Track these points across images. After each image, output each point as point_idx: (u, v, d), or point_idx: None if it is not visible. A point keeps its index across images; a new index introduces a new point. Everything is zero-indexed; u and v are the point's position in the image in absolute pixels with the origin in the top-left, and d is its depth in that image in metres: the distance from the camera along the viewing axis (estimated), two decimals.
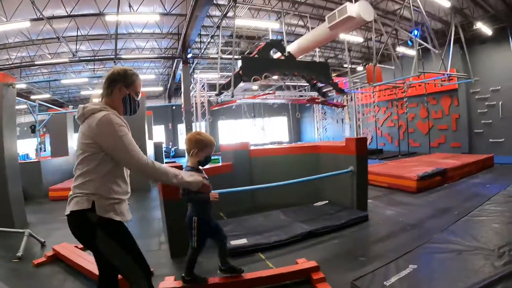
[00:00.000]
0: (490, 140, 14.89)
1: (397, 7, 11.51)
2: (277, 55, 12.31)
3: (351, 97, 19.60)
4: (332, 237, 4.91)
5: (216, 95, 12.42)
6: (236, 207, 6.42)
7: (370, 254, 4.33)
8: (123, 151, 2.02)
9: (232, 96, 11.33)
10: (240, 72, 10.24)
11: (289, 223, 5.49)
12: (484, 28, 13.16)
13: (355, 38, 15.82)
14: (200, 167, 3.05)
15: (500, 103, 14.50)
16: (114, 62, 14.96)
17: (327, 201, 6.56)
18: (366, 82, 15.04)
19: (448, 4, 10.94)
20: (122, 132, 2.03)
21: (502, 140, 14.46)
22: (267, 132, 26.09)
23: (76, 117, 2.17)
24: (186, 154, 3.27)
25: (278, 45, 11.79)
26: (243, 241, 4.69)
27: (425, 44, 12.39)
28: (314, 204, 6.43)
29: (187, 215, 3.07)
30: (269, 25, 13.21)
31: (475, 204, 5.89)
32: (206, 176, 2.92)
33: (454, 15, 12.49)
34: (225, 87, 11.57)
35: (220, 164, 7.86)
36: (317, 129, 25.35)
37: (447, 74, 11.25)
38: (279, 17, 13.08)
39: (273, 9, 12.46)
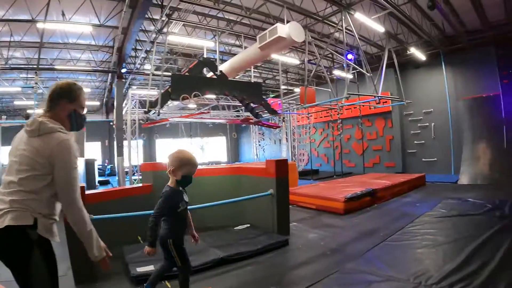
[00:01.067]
0: (423, 159, 15.43)
1: (332, 31, 11.58)
2: (211, 74, 12.01)
3: (287, 118, 19.91)
4: (247, 264, 4.52)
5: (145, 112, 11.76)
6: None
7: (283, 282, 3.92)
8: (68, 184, 1.97)
9: (158, 115, 10.76)
10: (169, 89, 9.82)
11: (204, 248, 4.92)
12: (417, 53, 13.65)
13: (291, 59, 15.79)
14: (181, 188, 2.95)
15: (433, 124, 15.13)
16: (35, 72, 13.79)
17: (248, 225, 6.22)
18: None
19: (382, 30, 11.14)
20: (75, 164, 2.02)
21: (435, 159, 15.04)
22: (206, 152, 25.77)
23: (28, 129, 2.00)
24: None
25: (210, 63, 11.48)
26: (149, 268, 4.09)
27: (358, 68, 12.69)
28: (235, 228, 6.06)
29: (160, 236, 2.86)
30: (204, 43, 12.78)
31: (402, 224, 5.79)
32: (187, 200, 3.01)
33: (389, 40, 12.87)
34: (152, 104, 10.99)
35: (140, 185, 7.20)
36: (255, 149, 25.07)
37: (378, 97, 11.44)
38: (215, 36, 12.75)
39: (207, 27, 12.05)
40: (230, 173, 6.86)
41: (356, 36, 11.17)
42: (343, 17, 10.31)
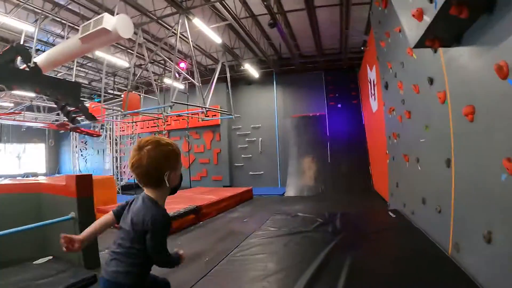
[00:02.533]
0: (250, 172, 15.27)
1: (168, 35, 10.10)
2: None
3: (110, 126, 17.34)
4: None
5: None
6: None
7: None
8: None
9: None
10: None
11: None
12: (251, 70, 13.33)
13: (120, 61, 13.30)
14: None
15: (260, 139, 15.20)
16: None
17: (51, 257, 4.62)
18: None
19: (219, 41, 10.18)
20: None
21: (262, 172, 15.04)
22: (22, 161, 20.76)
23: None
24: (139, 183, 1.72)
25: (23, 52, 8.37)
26: None
27: (190, 78, 11.72)
28: (34, 262, 4.45)
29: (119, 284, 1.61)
30: (24, 27, 9.38)
31: (229, 246, 4.82)
32: None
33: (224, 53, 12.24)
34: None
35: None
36: (75, 160, 21.04)
37: (205, 108, 10.46)
38: (37, 19, 9.56)
39: (29, 4, 8.82)
40: (28, 191, 5.01)
41: (191, 44, 10.11)
42: (180, 20, 9.09)
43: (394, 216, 5.61)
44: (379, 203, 8.69)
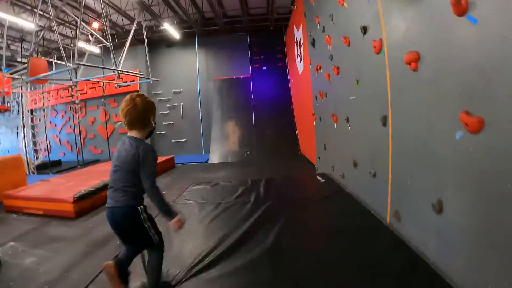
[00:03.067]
0: (173, 140, 14.36)
1: None
2: None
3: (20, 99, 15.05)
4: None
5: None
6: None
7: None
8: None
9: None
10: None
11: None
12: (171, 31, 12.03)
13: (28, 23, 10.80)
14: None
15: (182, 104, 14.27)
16: None
17: None
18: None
19: None
20: None
21: (185, 140, 14.26)
22: None
23: None
24: (128, 126, 2.26)
25: None
26: None
27: (102, 40, 10.54)
28: None
29: (126, 211, 2.10)
30: None
31: None
32: None
33: (141, 12, 10.82)
34: None
35: None
36: None
37: (118, 71, 9.21)
38: None
39: None
40: None
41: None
42: None
43: (323, 180, 5.35)
44: (307, 167, 8.50)
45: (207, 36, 13.99)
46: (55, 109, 16.47)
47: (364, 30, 3.37)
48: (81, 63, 8.02)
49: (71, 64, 8.72)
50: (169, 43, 14.24)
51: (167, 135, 14.45)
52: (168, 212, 2.14)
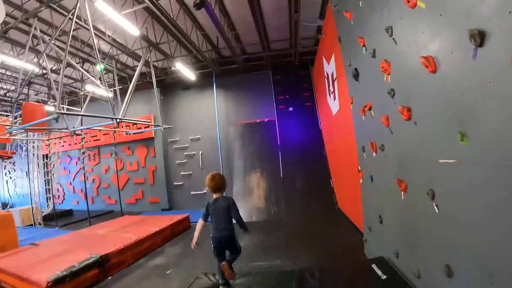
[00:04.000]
0: (192, 192, 12.86)
1: (74, 27, 7.25)
2: None
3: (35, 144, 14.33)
4: None
5: None
6: None
7: None
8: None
9: None
10: None
11: None
12: (184, 70, 10.84)
13: (29, 65, 9.87)
14: None
15: (200, 152, 12.91)
16: None
17: None
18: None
19: (136, 32, 7.71)
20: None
21: (204, 192, 12.51)
22: None
23: None
24: (214, 191, 3.88)
25: None
26: None
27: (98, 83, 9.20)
28: None
29: (229, 236, 3.76)
30: None
31: None
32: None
33: (149, 49, 9.68)
34: None
35: None
36: (5, 184, 17.38)
37: (116, 119, 7.88)
38: None
39: None
40: None
41: (92, 32, 7.25)
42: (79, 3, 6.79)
43: (384, 277, 3.52)
44: (350, 232, 6.70)
45: (225, 76, 12.86)
46: (69, 155, 15.48)
47: (480, 38, 1.72)
48: (63, 112, 6.63)
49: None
50: (185, 86, 13.19)
51: (185, 187, 13.08)
52: (246, 229, 3.84)
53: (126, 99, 8.68)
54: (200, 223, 3.93)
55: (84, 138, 12.71)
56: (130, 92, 8.74)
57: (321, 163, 10.00)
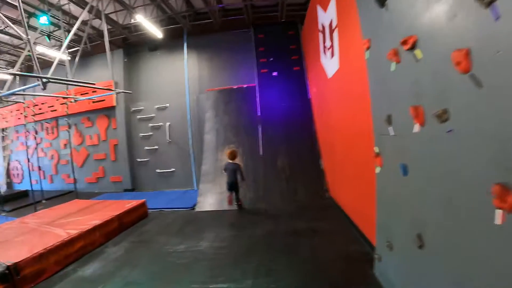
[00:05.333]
0: (157, 170, 11.05)
1: None
2: None
3: None
4: None
5: None
6: None
7: None
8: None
9: None
10: None
11: None
12: (147, 25, 8.67)
13: None
14: None
15: (168, 124, 10.94)
16: None
17: None
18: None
19: None
20: None
21: (172, 170, 10.92)
22: None
23: None
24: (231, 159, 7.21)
25: None
26: None
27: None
28: None
29: (234, 182, 7.06)
30: None
31: None
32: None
33: None
34: None
35: None
36: None
37: (42, 79, 5.87)
38: None
39: None
40: None
41: None
42: None
43: None
44: (345, 229, 5.07)
45: (198, 35, 10.85)
46: (27, 129, 13.52)
47: None
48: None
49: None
50: (152, 46, 11.08)
51: (150, 164, 11.23)
52: (243, 179, 7.05)
53: (76, 60, 6.74)
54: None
55: (28, 106, 10.69)
56: (80, 51, 6.82)
57: (310, 140, 8.27)
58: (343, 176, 5.73)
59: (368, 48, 3.22)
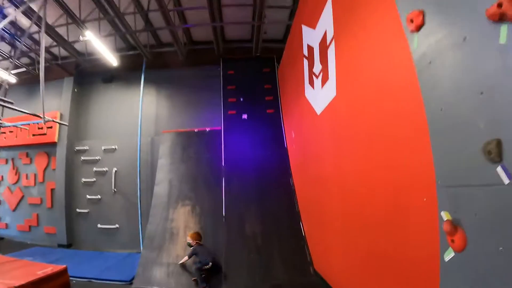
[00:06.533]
0: (99, 225, 8.98)
1: None
2: None
3: None
4: None
5: None
6: None
7: None
8: None
9: None
10: None
11: None
12: (99, 47, 7.16)
13: None
14: None
15: (114, 170, 9.11)
16: None
17: None
18: None
19: None
20: None
21: (115, 226, 8.92)
22: None
23: None
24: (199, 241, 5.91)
25: None
26: None
27: None
28: None
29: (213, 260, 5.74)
30: None
31: None
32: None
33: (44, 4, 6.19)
34: None
35: None
36: None
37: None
38: None
39: None
40: None
41: None
42: None
43: None
44: None
45: (160, 67, 9.41)
46: None
47: None
48: None
49: None
50: (107, 77, 9.72)
51: (91, 216, 9.34)
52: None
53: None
54: (185, 258, 5.73)
55: None
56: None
57: (288, 199, 6.56)
58: (343, 246, 4.00)
59: (419, 27, 1.75)
